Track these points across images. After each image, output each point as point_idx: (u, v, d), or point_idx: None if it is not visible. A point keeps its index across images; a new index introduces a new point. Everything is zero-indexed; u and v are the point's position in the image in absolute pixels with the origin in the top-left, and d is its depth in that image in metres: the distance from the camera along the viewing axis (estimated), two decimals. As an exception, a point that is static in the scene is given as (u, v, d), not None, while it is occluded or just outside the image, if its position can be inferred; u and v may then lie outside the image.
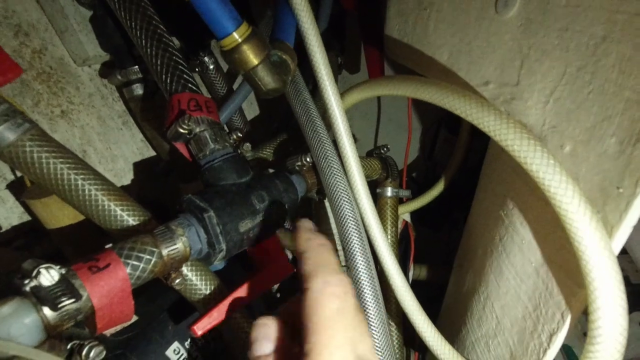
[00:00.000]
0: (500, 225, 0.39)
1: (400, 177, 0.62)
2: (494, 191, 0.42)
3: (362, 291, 0.41)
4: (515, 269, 0.36)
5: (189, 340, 0.42)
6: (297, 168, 0.47)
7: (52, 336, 0.25)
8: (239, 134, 0.44)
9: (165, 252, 0.31)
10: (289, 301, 0.28)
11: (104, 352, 0.27)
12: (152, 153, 0.61)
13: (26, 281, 0.24)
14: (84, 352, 0.27)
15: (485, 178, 0.46)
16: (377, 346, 0.40)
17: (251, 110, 0.79)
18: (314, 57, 0.38)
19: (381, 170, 0.58)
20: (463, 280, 0.50)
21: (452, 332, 0.53)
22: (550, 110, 0.30)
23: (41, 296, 0.24)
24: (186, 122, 0.37)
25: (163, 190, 0.60)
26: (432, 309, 0.68)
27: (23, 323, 0.23)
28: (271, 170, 0.46)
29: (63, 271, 0.25)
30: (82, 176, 0.35)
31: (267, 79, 0.38)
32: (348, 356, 0.20)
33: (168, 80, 0.39)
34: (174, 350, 0.40)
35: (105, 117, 0.55)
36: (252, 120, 0.79)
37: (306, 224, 0.27)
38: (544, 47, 0.30)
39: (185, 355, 0.41)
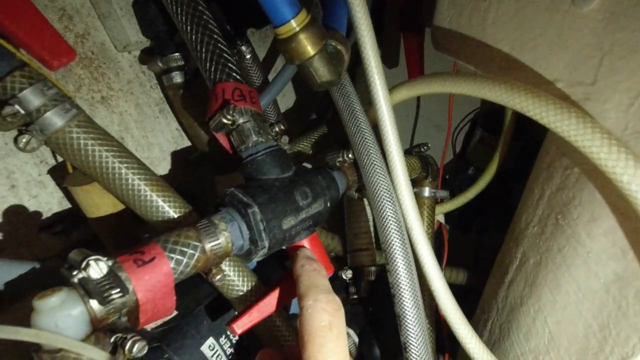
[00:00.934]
0: (559, 235, 0.36)
1: (438, 178, 0.60)
2: (551, 197, 0.39)
3: (402, 296, 0.39)
4: (577, 284, 0.33)
5: (223, 336, 0.41)
6: (337, 164, 0.45)
7: (97, 329, 0.24)
8: (282, 127, 0.42)
9: (208, 246, 0.29)
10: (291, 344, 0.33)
11: (147, 347, 0.27)
12: (186, 142, 0.60)
13: (74, 272, 0.23)
14: (127, 346, 0.26)
15: (539, 183, 0.43)
16: (415, 354, 0.39)
17: (283, 102, 0.77)
18: (365, 48, 0.35)
19: (420, 169, 0.56)
20: (506, 289, 0.47)
21: (490, 342, 0.50)
22: (635, 113, 0.27)
23: (89, 289, 0.23)
24: (230, 112, 0.36)
25: (194, 180, 0.59)
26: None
27: (70, 315, 0.23)
28: (309, 166, 0.45)
29: (110, 263, 0.24)
30: (125, 165, 0.34)
31: (323, 71, 0.36)
32: None
33: (212, 69, 0.38)
34: (209, 346, 0.39)
35: (143, 105, 0.54)
36: (285, 112, 0.77)
37: (303, 253, 0.32)
38: (633, 43, 0.27)
39: (219, 351, 0.40)
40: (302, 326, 0.25)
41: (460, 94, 0.38)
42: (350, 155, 0.44)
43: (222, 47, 0.38)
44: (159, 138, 0.56)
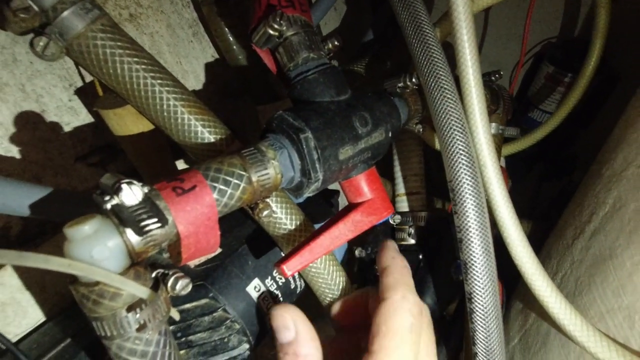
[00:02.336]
0: (684, 175, 0.29)
1: (510, 113, 0.52)
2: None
3: (471, 241, 0.34)
4: None
5: (269, 277, 0.38)
6: (398, 90, 0.38)
7: (136, 263, 0.21)
8: (336, 42, 0.35)
9: (254, 177, 0.25)
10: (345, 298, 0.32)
11: (190, 285, 0.24)
12: (224, 71, 0.55)
13: (106, 198, 0.20)
14: (169, 283, 0.23)
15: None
16: (482, 307, 0.34)
17: (335, 18, 0.69)
18: None
19: (490, 101, 0.48)
20: (587, 240, 0.41)
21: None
22: None
23: (124, 217, 0.20)
24: (278, 20, 0.30)
25: (233, 113, 0.54)
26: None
27: (106, 246, 0.19)
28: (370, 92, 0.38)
29: (146, 190, 0.21)
30: (159, 81, 0.29)
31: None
32: None
33: None
34: (255, 287, 0.36)
35: (175, 26, 0.48)
36: (337, 29, 0.69)
37: (392, 244, 0.31)
38: None
39: (265, 293, 0.37)
40: (381, 318, 0.24)
41: None
42: (413, 80, 0.37)
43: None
44: (193, 65, 0.51)
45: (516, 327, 0.53)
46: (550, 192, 0.84)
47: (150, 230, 0.20)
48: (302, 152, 0.27)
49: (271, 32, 0.30)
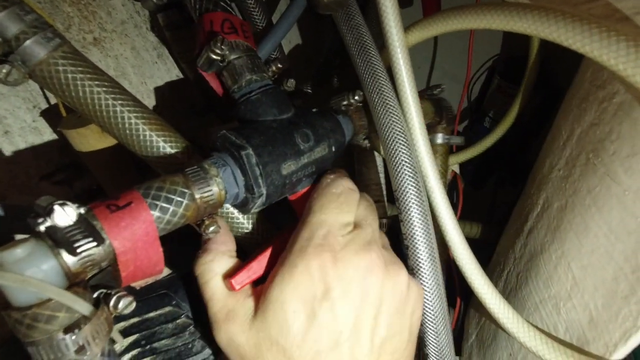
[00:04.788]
0: (590, 175, 0.33)
1: (454, 123, 0.56)
2: (581, 136, 0.36)
3: (417, 247, 0.36)
4: (608, 226, 0.31)
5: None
6: (343, 108, 0.41)
7: (75, 284, 0.21)
8: (279, 65, 0.38)
9: (198, 194, 0.26)
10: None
11: (134, 303, 0.24)
12: (189, 91, 0.57)
13: (39, 220, 0.20)
14: (111, 302, 0.23)
15: (568, 122, 0.39)
16: (430, 309, 0.36)
17: (291, 47, 0.73)
18: None
19: (434, 114, 0.52)
20: (525, 238, 0.45)
21: (505, 292, 0.49)
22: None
23: (57, 238, 0.20)
24: (219, 45, 0.31)
25: (201, 130, 0.57)
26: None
27: (40, 268, 0.20)
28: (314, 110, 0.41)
29: (82, 210, 0.22)
30: (120, 102, 0.31)
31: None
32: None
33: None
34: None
35: (140, 49, 0.51)
36: (292, 57, 0.73)
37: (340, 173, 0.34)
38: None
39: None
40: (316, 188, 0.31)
41: (484, 28, 0.33)
42: (357, 98, 0.40)
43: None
44: (159, 85, 0.53)
45: (473, 324, 0.57)
46: (509, 198, 0.89)
47: (85, 250, 0.21)
48: (245, 168, 0.29)
49: (213, 56, 0.31)
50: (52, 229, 0.20)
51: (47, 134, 0.43)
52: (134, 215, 0.23)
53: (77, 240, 0.20)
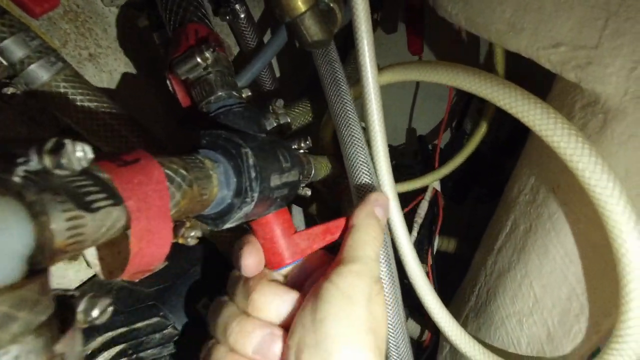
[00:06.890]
0: (551, 203, 0.36)
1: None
2: (543, 166, 0.39)
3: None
4: (564, 249, 0.34)
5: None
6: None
7: (38, 271, 0.13)
8: (249, 93, 0.39)
9: (195, 184, 0.22)
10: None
11: (112, 307, 0.17)
12: (179, 105, 0.59)
13: (20, 160, 0.13)
14: (81, 307, 0.17)
15: (534, 151, 0.43)
16: (390, 323, 0.37)
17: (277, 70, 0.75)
18: (356, 10, 0.33)
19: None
20: (495, 256, 0.49)
21: (476, 307, 0.52)
22: (637, 78, 0.27)
23: (54, 187, 0.13)
24: (211, 50, 0.30)
25: (190, 140, 0.58)
26: (449, 277, 0.68)
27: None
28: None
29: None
30: (116, 120, 0.33)
31: (314, 29, 0.34)
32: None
33: (181, 10, 0.35)
34: (204, 305, 0.40)
35: (133, 64, 0.52)
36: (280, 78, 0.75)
37: (377, 198, 0.34)
38: (640, 4, 0.26)
39: (214, 309, 0.41)
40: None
41: (437, 82, 0.36)
42: (308, 143, 0.40)
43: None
44: (151, 100, 0.55)
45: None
46: (490, 213, 0.93)
47: (101, 208, 0.15)
48: (240, 169, 0.25)
49: (200, 61, 0.30)
50: (43, 177, 0.13)
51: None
52: (146, 173, 0.18)
53: (90, 194, 0.14)
